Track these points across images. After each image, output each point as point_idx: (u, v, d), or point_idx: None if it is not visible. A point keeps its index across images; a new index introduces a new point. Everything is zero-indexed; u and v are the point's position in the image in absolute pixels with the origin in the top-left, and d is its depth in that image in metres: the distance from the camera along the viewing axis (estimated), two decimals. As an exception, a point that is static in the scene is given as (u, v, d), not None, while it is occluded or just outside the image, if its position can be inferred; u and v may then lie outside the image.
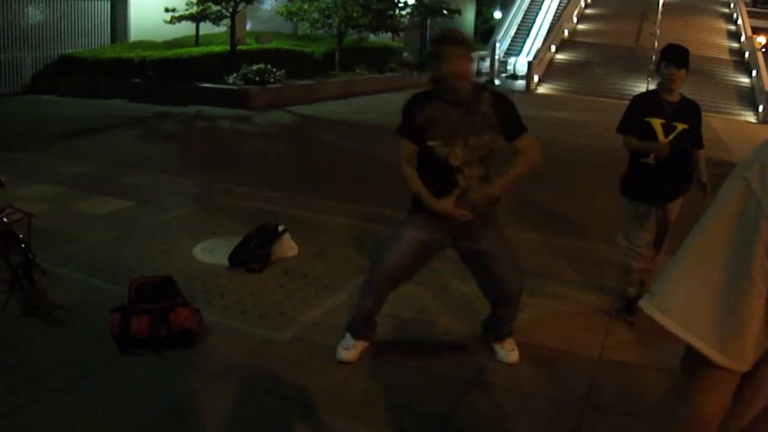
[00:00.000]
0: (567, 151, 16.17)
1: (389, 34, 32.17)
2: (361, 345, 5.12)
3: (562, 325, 5.86)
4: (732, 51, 38.64)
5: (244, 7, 22.82)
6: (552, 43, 38.65)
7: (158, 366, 4.90)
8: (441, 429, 4.36)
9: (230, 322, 5.63)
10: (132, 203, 9.04)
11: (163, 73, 20.59)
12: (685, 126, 5.71)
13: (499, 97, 4.74)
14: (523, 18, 45.50)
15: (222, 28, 22.78)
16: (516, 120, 4.71)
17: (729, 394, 1.81)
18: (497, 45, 39.09)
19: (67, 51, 22.60)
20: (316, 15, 26.87)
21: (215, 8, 22.11)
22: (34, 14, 21.84)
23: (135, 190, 9.70)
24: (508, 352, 5.14)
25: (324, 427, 4.32)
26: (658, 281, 1.87)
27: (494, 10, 49.96)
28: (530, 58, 37.01)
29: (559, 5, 44.90)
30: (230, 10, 22.07)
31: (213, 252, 7.16)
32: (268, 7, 29.46)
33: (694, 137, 5.80)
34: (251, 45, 24.51)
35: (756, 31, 40.79)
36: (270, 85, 21.32)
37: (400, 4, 30.34)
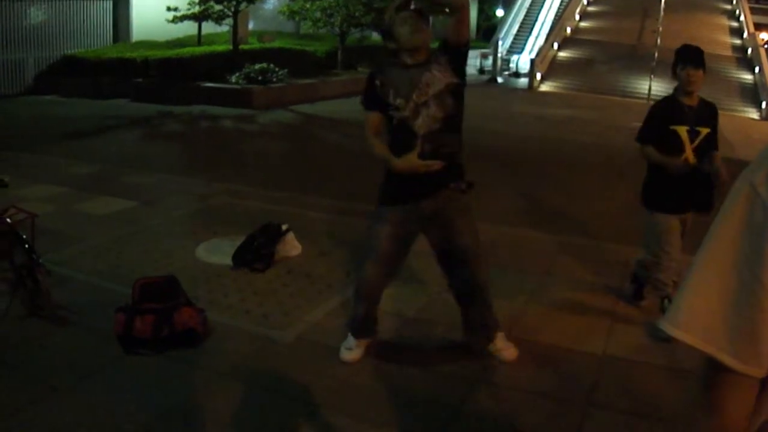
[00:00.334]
0: (569, 148, 16.17)
1: (391, 32, 32.15)
2: (363, 343, 5.13)
3: (566, 323, 5.85)
4: (735, 48, 38.54)
5: (246, 7, 22.84)
6: (554, 41, 38.58)
7: (162, 366, 4.90)
8: (445, 428, 4.36)
9: (234, 322, 5.64)
10: (135, 203, 9.05)
11: (166, 72, 20.60)
12: (708, 129, 5.57)
13: (445, 47, 4.77)
14: (525, 16, 45.41)
15: (224, 27, 22.80)
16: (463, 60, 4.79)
17: (750, 402, 1.81)
18: (500, 43, 39.02)
19: (69, 51, 22.63)
20: (318, 14, 26.87)
21: (217, 8, 22.12)
22: (36, 15, 21.88)
23: (138, 190, 9.71)
24: (502, 350, 5.10)
25: (327, 426, 4.32)
26: (675, 297, 1.87)
27: (496, 8, 49.96)
28: (533, 55, 36.95)
29: (561, 3, 44.81)
30: (232, 9, 22.08)
31: (216, 252, 7.16)
32: (271, 7, 29.48)
33: (713, 140, 5.65)
34: (253, 44, 24.52)
35: (759, 27, 40.69)
36: (272, 85, 21.32)
37: (402, 3, 30.32)
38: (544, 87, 34.50)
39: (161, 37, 23.77)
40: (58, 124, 16.23)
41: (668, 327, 1.86)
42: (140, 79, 20.89)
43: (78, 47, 23.08)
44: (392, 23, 4.66)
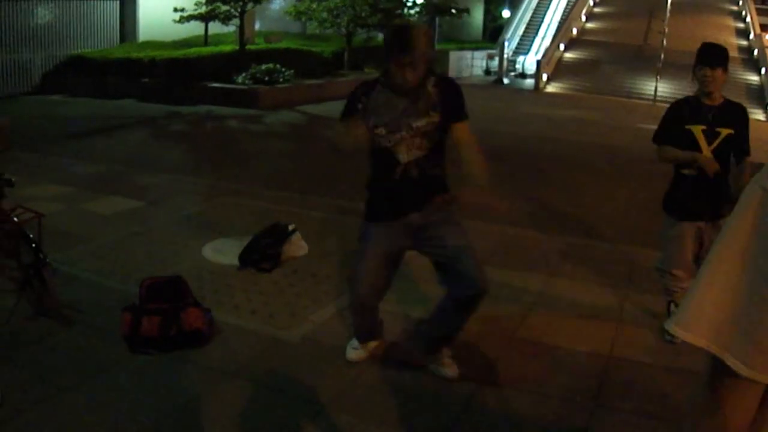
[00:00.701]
0: (575, 149, 16.16)
1: (398, 33, 32.15)
2: (370, 345, 5.14)
3: (572, 324, 5.85)
4: (741, 49, 38.45)
5: (253, 7, 22.86)
6: (560, 42, 38.56)
7: (168, 365, 4.91)
8: (451, 428, 4.36)
9: (240, 322, 5.64)
10: (142, 203, 9.07)
11: (172, 72, 20.62)
12: (730, 131, 5.32)
13: (444, 79, 4.60)
14: (531, 17, 45.37)
15: (231, 27, 22.82)
16: (459, 104, 4.49)
17: (754, 406, 1.81)
18: (506, 44, 38.97)
19: (76, 51, 22.67)
20: (324, 14, 26.87)
21: (224, 8, 22.14)
22: (43, 15, 21.92)
23: (144, 190, 9.72)
24: (448, 366, 4.90)
25: (333, 425, 4.32)
26: (684, 298, 1.87)
27: (503, 9, 49.85)
28: (539, 56, 36.96)
29: (567, 4, 44.75)
30: (239, 9, 22.11)
31: (223, 252, 7.17)
32: (277, 7, 29.51)
33: (740, 142, 5.38)
34: (260, 45, 24.54)
35: (765, 28, 40.56)
36: (279, 85, 21.33)
37: (409, 4, 30.37)
38: (550, 88, 34.49)
39: (168, 37, 23.79)
40: (65, 123, 16.25)
41: (675, 328, 1.86)
42: (147, 79, 20.91)
43: (85, 47, 23.12)
44: (387, 59, 4.36)
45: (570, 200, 10.55)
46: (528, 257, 7.51)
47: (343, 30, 27.14)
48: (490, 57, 39.31)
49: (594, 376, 5.01)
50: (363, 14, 26.76)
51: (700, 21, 40.74)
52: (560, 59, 37.80)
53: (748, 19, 40.82)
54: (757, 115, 29.90)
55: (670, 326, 1.85)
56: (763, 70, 34.20)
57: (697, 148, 5.35)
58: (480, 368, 5.02)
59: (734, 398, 1.81)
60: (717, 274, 1.81)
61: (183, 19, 22.33)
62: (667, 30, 34.51)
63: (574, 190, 11.40)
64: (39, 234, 5.64)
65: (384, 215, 4.64)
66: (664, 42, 33.40)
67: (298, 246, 7.20)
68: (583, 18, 42.96)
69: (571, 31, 40.46)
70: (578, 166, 13.52)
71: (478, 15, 48.19)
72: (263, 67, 21.19)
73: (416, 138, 4.39)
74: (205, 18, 22.59)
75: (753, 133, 5.50)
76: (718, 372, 1.80)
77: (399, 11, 29.31)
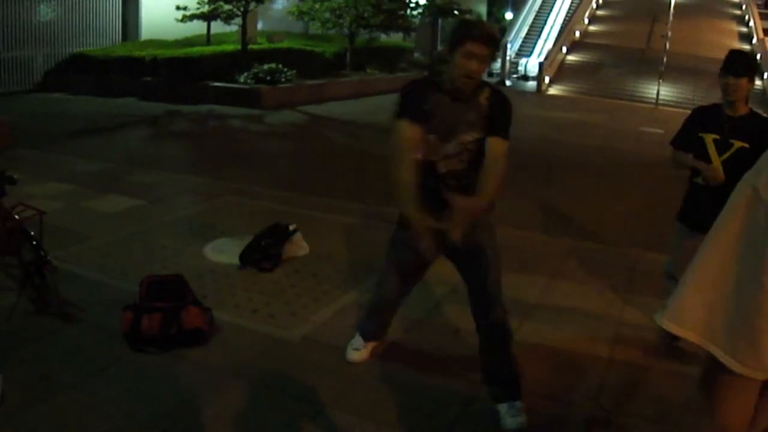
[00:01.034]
0: (576, 152, 16.16)
1: (400, 34, 32.17)
2: (371, 345, 5.13)
3: (573, 325, 5.85)
4: (743, 53, 38.47)
5: (256, 7, 22.85)
6: (563, 44, 38.57)
7: (169, 364, 4.91)
8: (451, 428, 4.36)
9: (241, 322, 5.65)
10: (143, 202, 9.07)
11: (174, 71, 20.61)
12: (744, 144, 5.08)
13: (498, 93, 4.32)
14: (534, 19, 45.35)
15: (233, 27, 22.80)
16: (504, 120, 4.23)
17: (751, 405, 1.81)
18: (508, 46, 38.97)
19: (78, 49, 22.65)
20: (327, 15, 26.86)
21: (226, 7, 22.13)
22: (45, 12, 21.91)
23: (146, 189, 9.72)
24: (515, 417, 4.37)
25: (334, 426, 4.32)
26: (673, 293, 1.87)
27: (505, 11, 49.96)
28: (541, 59, 36.93)
29: (570, 6, 44.78)
30: (241, 9, 22.09)
31: (224, 251, 7.17)
32: (279, 7, 29.51)
33: (753, 157, 5.03)
34: (262, 44, 24.53)
35: (768, 33, 40.64)
36: (281, 85, 21.32)
37: (412, 4, 30.34)
38: (553, 90, 34.49)
39: (170, 36, 23.78)
40: (67, 121, 16.25)
41: (666, 322, 1.86)
42: (149, 78, 20.90)
43: (87, 45, 23.10)
44: (453, 51, 4.08)
45: (571, 202, 10.55)
46: (528, 259, 7.50)
47: (346, 30, 27.12)
48: (493, 59, 39.27)
49: (594, 378, 5.01)
50: (366, 15, 26.73)
51: (703, 25, 40.77)
52: (563, 62, 37.81)
53: (751, 23, 40.82)
54: (759, 119, 29.88)
55: (661, 319, 1.85)
56: (765, 75, 34.19)
57: (706, 157, 5.21)
58: (480, 369, 5.02)
59: (730, 396, 1.81)
60: (707, 270, 1.81)
61: (185, 18, 22.31)
62: (670, 33, 34.50)
63: (576, 192, 11.40)
64: (40, 231, 5.65)
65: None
66: (667, 45, 33.40)
67: (299, 246, 7.20)
68: (586, 21, 42.97)
69: (574, 33, 40.47)
70: (580, 168, 13.52)
71: (480, 17, 48.22)
72: (265, 66, 21.17)
73: (461, 153, 4.23)
74: (207, 17, 22.57)
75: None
76: (713, 371, 1.80)
77: (402, 12, 29.28)
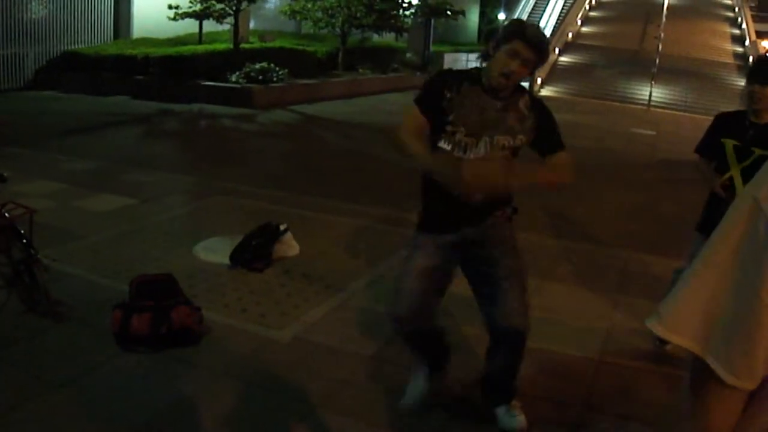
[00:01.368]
0: (569, 153, 16.16)
1: (393, 34, 32.18)
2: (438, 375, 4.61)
3: (564, 326, 5.85)
4: (736, 55, 38.59)
5: (248, 6, 22.84)
6: (555, 46, 38.58)
7: (159, 364, 4.90)
8: (444, 429, 4.36)
9: (231, 321, 5.63)
10: (134, 201, 9.05)
11: (166, 70, 20.60)
12: (766, 152, 4.80)
13: (539, 102, 4.14)
14: (526, 20, 45.41)
15: (225, 26, 22.79)
16: (555, 133, 4.10)
17: (737, 412, 1.81)
18: (501, 46, 38.97)
19: (69, 47, 22.62)
20: (319, 14, 26.88)
21: (219, 6, 22.12)
22: (37, 10, 21.87)
23: (137, 188, 9.71)
24: (514, 416, 4.37)
25: (324, 426, 4.31)
26: (667, 299, 1.87)
27: (498, 12, 49.94)
28: (533, 60, 36.93)
29: (563, 8, 44.88)
30: (233, 8, 22.08)
31: (214, 250, 7.16)
32: (272, 6, 29.50)
33: None
34: (254, 43, 24.54)
35: (760, 35, 40.70)
36: (273, 84, 21.31)
37: (404, 5, 30.34)
38: (545, 92, 34.50)
39: (162, 34, 23.75)
40: (58, 120, 16.22)
41: (658, 326, 1.86)
42: (140, 77, 20.87)
43: (78, 43, 23.08)
44: (498, 47, 3.85)
45: (562, 203, 10.55)
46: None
47: (338, 30, 27.14)
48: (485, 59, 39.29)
49: (585, 379, 5.02)
50: (358, 14, 26.75)
51: (696, 27, 40.89)
52: (555, 63, 37.84)
53: (744, 25, 40.94)
54: (750, 121, 29.93)
55: (653, 324, 1.85)
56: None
57: (724, 162, 5.02)
58: (473, 370, 5.01)
59: (717, 403, 1.81)
60: (704, 278, 1.81)
61: (177, 17, 22.30)
62: (662, 35, 34.61)
63: (567, 193, 11.40)
64: (30, 230, 5.62)
65: (436, 226, 4.16)
66: (660, 47, 33.49)
67: (289, 246, 7.19)
68: (579, 22, 43.03)
69: (567, 35, 40.51)
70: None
71: (473, 17, 48.30)
72: (257, 66, 21.17)
73: (491, 151, 3.93)
74: (199, 16, 22.56)
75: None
76: (702, 377, 1.80)
77: (394, 12, 29.29)
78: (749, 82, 4.97)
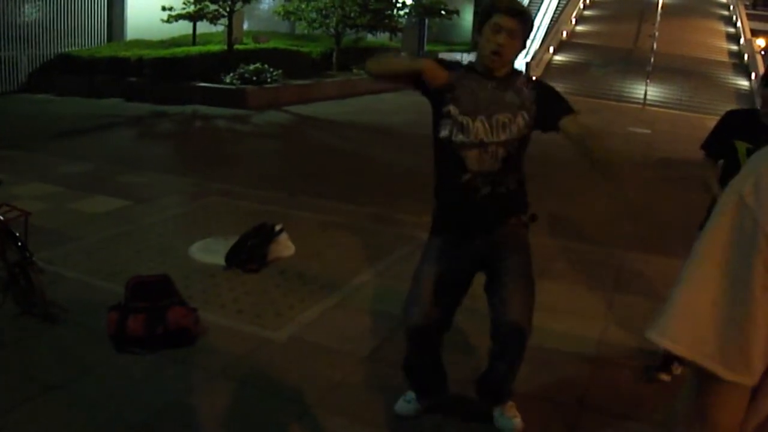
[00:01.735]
0: (563, 151, 16.15)
1: (387, 34, 32.16)
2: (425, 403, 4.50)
3: (559, 326, 5.84)
4: (731, 53, 38.68)
5: (242, 7, 22.81)
6: (550, 45, 38.66)
7: (155, 365, 4.90)
8: (440, 428, 4.35)
9: (227, 322, 5.63)
10: (129, 202, 9.03)
11: (160, 72, 20.54)
12: None
13: (538, 80, 4.14)
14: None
15: (219, 27, 22.75)
16: (562, 100, 4.04)
17: (741, 409, 1.81)
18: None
19: (63, 50, 22.55)
20: (313, 15, 26.84)
21: (212, 7, 22.07)
22: (30, 12, 21.81)
23: (132, 190, 9.69)
24: (511, 418, 4.33)
25: (320, 426, 4.31)
26: (662, 306, 1.87)
27: (492, 11, 49.96)
28: (528, 59, 37.00)
29: (557, 7, 44.91)
30: (227, 9, 22.05)
31: (210, 251, 7.15)
32: (266, 7, 29.47)
33: None
34: (248, 44, 24.49)
35: (755, 33, 40.83)
36: (267, 85, 21.28)
37: (398, 4, 30.32)
38: (539, 90, 34.53)
39: (156, 36, 23.70)
40: (52, 122, 16.19)
41: (657, 337, 1.85)
42: (134, 79, 20.81)
43: (72, 45, 23.01)
44: (481, 28, 3.85)
45: (558, 202, 10.55)
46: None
47: (332, 30, 27.10)
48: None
49: (581, 378, 5.02)
50: (352, 15, 26.72)
51: (691, 25, 40.97)
52: (550, 62, 37.89)
53: (739, 24, 41.03)
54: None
55: (652, 335, 1.84)
56: (753, 76, 34.33)
57: (737, 166, 4.56)
58: (468, 370, 5.01)
59: (720, 401, 1.80)
60: (696, 281, 1.80)
61: (171, 19, 22.24)
62: (657, 34, 34.65)
63: (562, 192, 11.41)
64: (25, 232, 5.62)
65: (449, 229, 4.12)
66: (655, 46, 33.53)
67: (285, 246, 7.19)
68: (573, 21, 43.09)
69: (561, 33, 40.56)
70: (566, 168, 13.50)
71: (467, 17, 48.17)
72: (251, 67, 21.13)
73: (491, 145, 3.87)
74: (193, 17, 22.51)
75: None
76: (702, 378, 1.79)
77: (388, 12, 29.27)
78: (764, 85, 4.66)
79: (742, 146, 4.69)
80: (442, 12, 32.85)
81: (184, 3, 22.17)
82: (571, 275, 7.14)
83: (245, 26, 26.18)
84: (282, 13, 27.33)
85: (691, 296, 1.78)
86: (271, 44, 25.29)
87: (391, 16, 29.60)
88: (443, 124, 3.91)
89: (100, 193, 9.40)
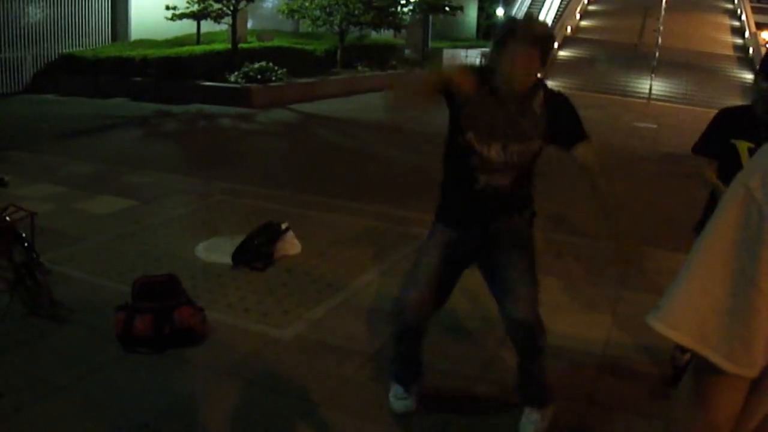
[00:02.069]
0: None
1: (391, 31, 32.16)
2: (414, 389, 4.49)
3: (566, 322, 5.83)
4: (736, 47, 38.57)
5: (245, 5, 22.81)
6: (555, 40, 38.61)
7: (162, 364, 4.90)
8: (446, 426, 4.35)
9: (234, 321, 5.63)
10: (135, 202, 9.04)
11: (165, 71, 20.57)
12: None
13: (555, 95, 3.99)
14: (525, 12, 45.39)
15: (223, 26, 22.76)
16: (575, 121, 4.00)
17: (740, 402, 1.81)
18: (500, 42, 39.02)
19: (67, 50, 22.61)
20: (317, 12, 26.85)
21: (216, 6, 22.09)
22: (34, 13, 21.85)
23: (137, 189, 9.70)
24: (532, 422, 4.25)
25: (327, 424, 4.31)
26: (665, 295, 1.87)
27: (496, 7, 49.96)
28: (533, 56, 36.93)
29: (561, 2, 44.83)
30: (231, 8, 22.05)
31: (216, 250, 7.15)
32: (269, 5, 29.47)
33: None
34: (252, 43, 24.50)
35: (760, 27, 40.69)
36: (272, 84, 21.30)
37: (402, 1, 30.32)
38: (545, 86, 34.50)
39: (160, 35, 23.73)
40: (57, 122, 16.21)
41: (660, 325, 1.85)
42: (139, 78, 20.85)
43: (76, 46, 23.06)
44: (497, 51, 3.73)
45: (562, 198, 10.55)
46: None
47: (336, 28, 27.11)
48: (484, 55, 39.39)
49: (588, 374, 5.01)
50: (356, 12, 26.73)
51: (696, 19, 40.87)
52: (554, 57, 37.83)
53: (744, 17, 40.90)
54: (750, 113, 29.91)
55: (655, 323, 1.84)
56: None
57: (738, 166, 4.47)
58: (474, 367, 5.02)
59: (720, 394, 1.80)
60: (701, 272, 1.80)
61: (175, 18, 22.27)
62: (662, 28, 34.58)
63: (568, 187, 11.38)
64: (32, 233, 5.62)
65: (453, 219, 4.10)
66: (659, 40, 33.45)
67: (291, 244, 7.19)
68: (578, 16, 43.01)
69: (566, 29, 40.49)
70: (572, 163, 13.51)
71: (472, 13, 48.32)
72: (256, 65, 21.15)
73: (505, 158, 3.83)
74: (197, 16, 22.53)
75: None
76: (703, 367, 1.79)
77: (392, 9, 29.27)
78: (764, 78, 4.29)
79: (743, 146, 4.42)
80: (446, 8, 32.85)
81: (188, 2, 22.20)
82: (577, 271, 7.13)
83: (249, 25, 26.22)
84: (286, 11, 27.34)
85: (695, 286, 1.77)
86: (276, 42, 25.29)
87: (395, 13, 29.62)
88: (459, 142, 3.86)
89: (106, 193, 9.41)
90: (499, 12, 48.19)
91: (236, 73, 20.82)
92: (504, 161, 3.83)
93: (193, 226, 8.08)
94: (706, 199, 4.84)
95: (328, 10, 26.69)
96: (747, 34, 39.10)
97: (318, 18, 26.91)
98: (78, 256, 6.94)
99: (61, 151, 12.53)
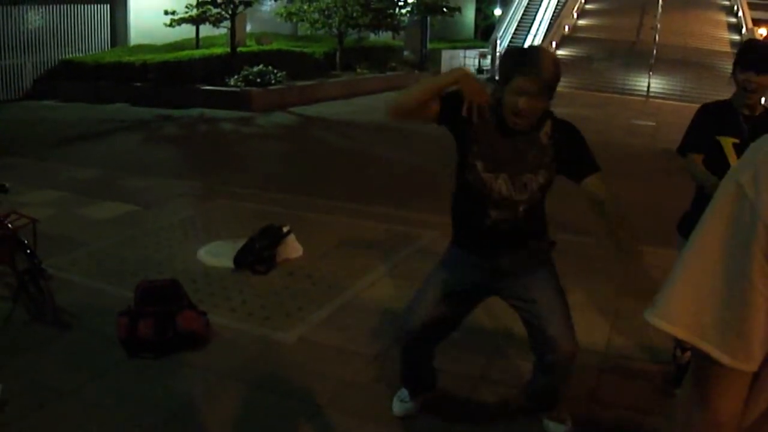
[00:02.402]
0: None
1: (389, 33, 32.16)
2: (420, 398, 4.48)
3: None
4: (733, 43, 38.52)
5: (244, 9, 22.83)
6: (552, 39, 38.58)
7: (165, 369, 4.91)
8: (450, 427, 4.36)
9: (236, 324, 5.65)
10: (136, 207, 9.06)
11: (164, 76, 20.61)
12: None
13: (563, 126, 3.88)
14: (523, 15, 45.35)
15: (222, 30, 22.79)
16: (585, 154, 3.93)
17: (742, 395, 1.82)
18: (498, 42, 39.03)
19: (67, 56, 22.67)
20: (315, 15, 26.86)
21: (215, 10, 22.12)
22: (34, 20, 21.89)
23: (139, 194, 9.71)
24: (559, 423, 4.30)
25: (331, 426, 4.32)
26: (661, 291, 1.89)
27: (494, 8, 49.99)
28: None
29: (558, 1, 44.83)
30: (230, 12, 22.08)
31: (218, 254, 7.17)
32: (268, 9, 29.48)
33: None
34: (251, 47, 24.52)
35: (757, 23, 40.64)
36: (271, 87, 21.32)
37: (400, 3, 30.33)
38: (543, 86, 34.48)
39: (159, 40, 23.77)
40: (58, 128, 16.24)
41: (657, 320, 1.88)
42: (139, 83, 20.90)
43: (76, 52, 23.11)
44: (504, 85, 3.55)
45: (562, 196, 10.55)
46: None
47: (335, 31, 27.13)
48: (482, 56, 39.40)
49: (591, 372, 5.01)
50: (354, 14, 26.75)
51: (692, 16, 40.82)
52: (553, 57, 37.80)
53: (740, 13, 40.86)
54: (749, 110, 29.91)
55: (650, 317, 1.87)
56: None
57: (724, 163, 4.29)
58: (476, 367, 5.03)
59: (722, 389, 1.82)
60: (694, 267, 1.83)
61: (174, 23, 22.30)
62: (659, 26, 34.58)
63: (566, 186, 11.40)
64: (34, 239, 5.64)
65: (468, 246, 3.95)
66: (657, 38, 33.44)
67: (292, 247, 7.20)
68: (575, 15, 42.99)
69: (563, 28, 40.49)
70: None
71: (469, 14, 48.29)
72: (255, 69, 21.19)
73: (514, 202, 3.76)
74: (196, 21, 22.56)
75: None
76: (703, 364, 1.82)
77: (390, 11, 29.28)
78: (742, 70, 4.30)
79: (727, 142, 4.41)
80: (444, 9, 32.83)
81: (186, 7, 22.22)
82: (578, 269, 7.13)
83: (248, 28, 26.22)
84: (284, 14, 27.36)
85: (690, 281, 1.80)
86: (275, 46, 25.31)
87: (393, 14, 29.62)
88: (467, 173, 3.76)
89: (107, 199, 9.43)
90: (497, 12, 48.22)
91: (236, 77, 20.85)
92: (512, 193, 3.73)
93: (194, 230, 8.10)
94: (692, 198, 4.82)
95: (326, 12, 26.71)
96: (744, 30, 39.06)
97: (316, 21, 26.93)
98: (80, 262, 6.96)
99: (62, 157, 12.55)
